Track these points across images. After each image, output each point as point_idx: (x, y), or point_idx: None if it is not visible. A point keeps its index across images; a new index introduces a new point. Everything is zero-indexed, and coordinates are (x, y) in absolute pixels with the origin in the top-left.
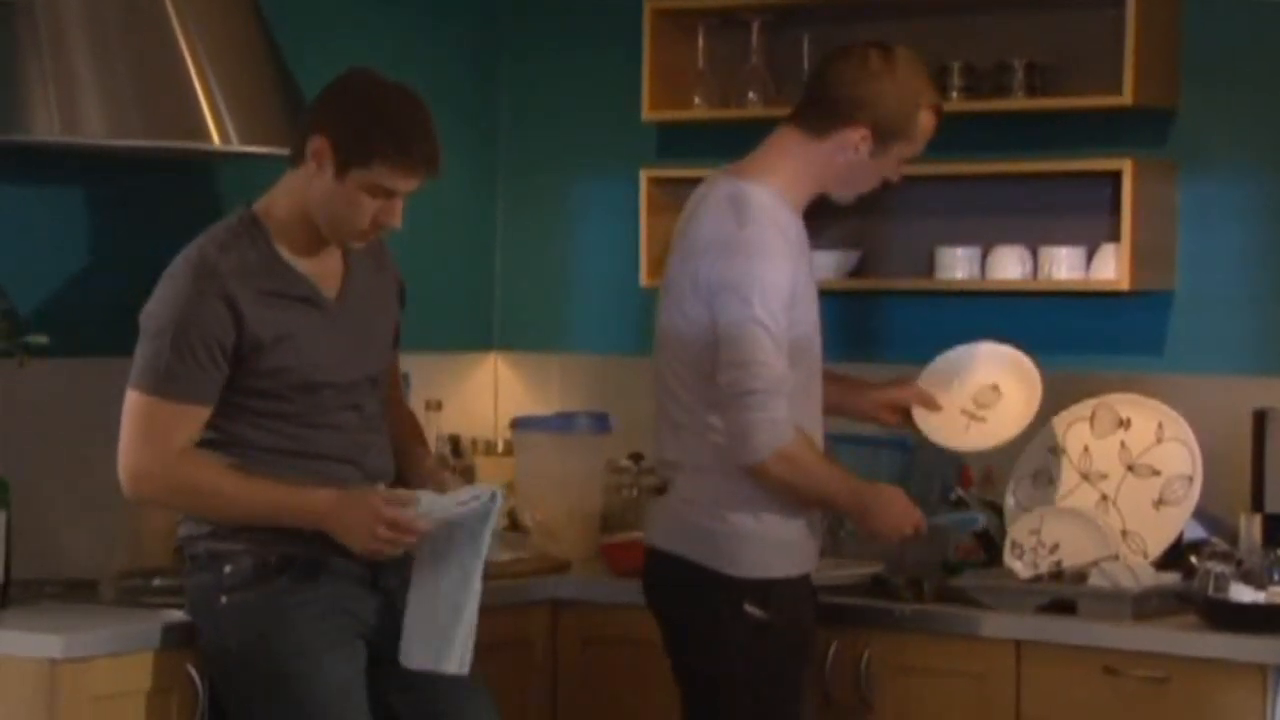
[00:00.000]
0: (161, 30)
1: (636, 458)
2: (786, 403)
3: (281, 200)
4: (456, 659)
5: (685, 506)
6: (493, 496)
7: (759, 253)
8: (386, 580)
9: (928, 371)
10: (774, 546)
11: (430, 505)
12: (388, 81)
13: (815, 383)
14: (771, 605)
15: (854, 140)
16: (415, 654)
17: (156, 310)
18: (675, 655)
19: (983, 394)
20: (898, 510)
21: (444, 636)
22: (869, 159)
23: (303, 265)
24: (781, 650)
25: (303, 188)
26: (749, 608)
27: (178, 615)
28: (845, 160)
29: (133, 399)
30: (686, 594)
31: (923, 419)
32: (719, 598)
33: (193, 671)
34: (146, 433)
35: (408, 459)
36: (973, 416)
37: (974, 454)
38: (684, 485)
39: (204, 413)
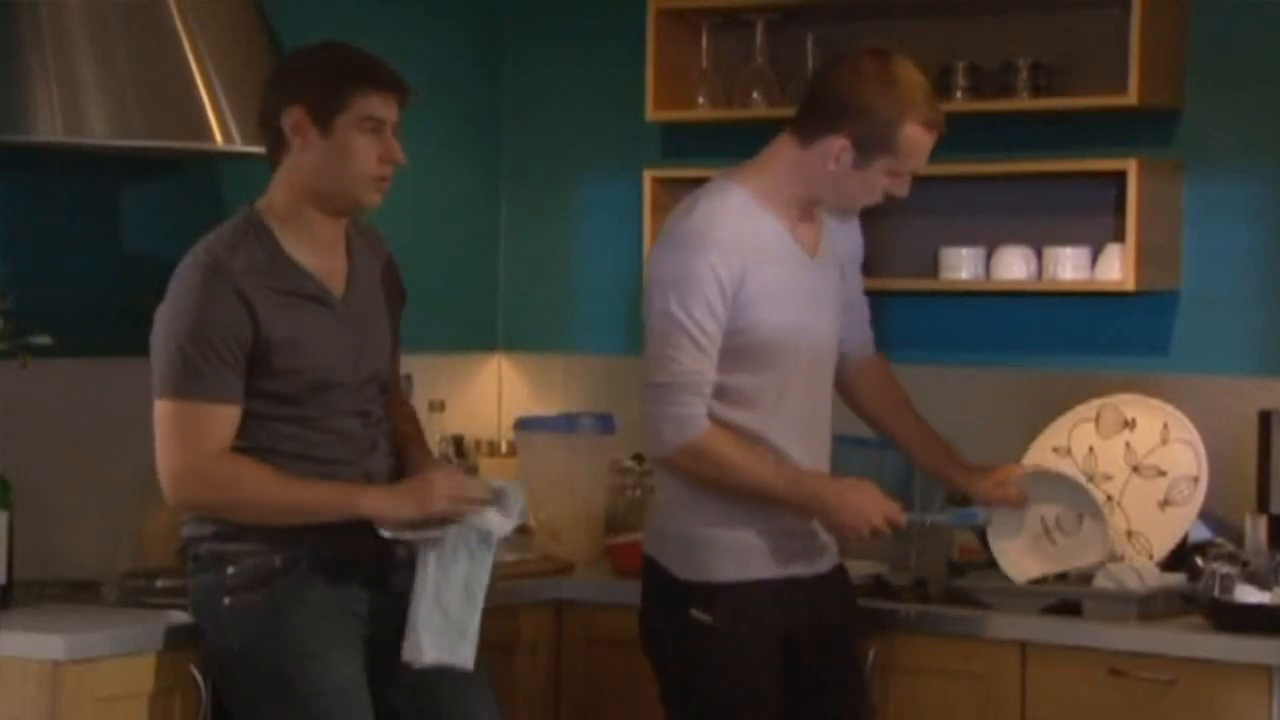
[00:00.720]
0: (164, 30)
1: (640, 458)
2: (703, 402)
3: (278, 196)
4: (466, 654)
5: (656, 509)
6: (521, 510)
7: (689, 247)
8: (398, 581)
9: (1028, 475)
10: (721, 550)
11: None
12: (317, 42)
13: (792, 389)
14: (718, 609)
15: (835, 150)
16: (427, 650)
17: (170, 314)
18: (647, 656)
19: (1067, 517)
20: (864, 503)
21: (457, 629)
22: (854, 170)
23: (309, 263)
24: (730, 655)
25: (295, 172)
26: (694, 612)
27: (181, 616)
28: (829, 171)
29: (160, 408)
30: (650, 595)
31: (997, 523)
32: (670, 601)
33: (196, 673)
34: (179, 436)
35: (409, 460)
36: (1047, 531)
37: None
38: (656, 487)
39: (233, 411)
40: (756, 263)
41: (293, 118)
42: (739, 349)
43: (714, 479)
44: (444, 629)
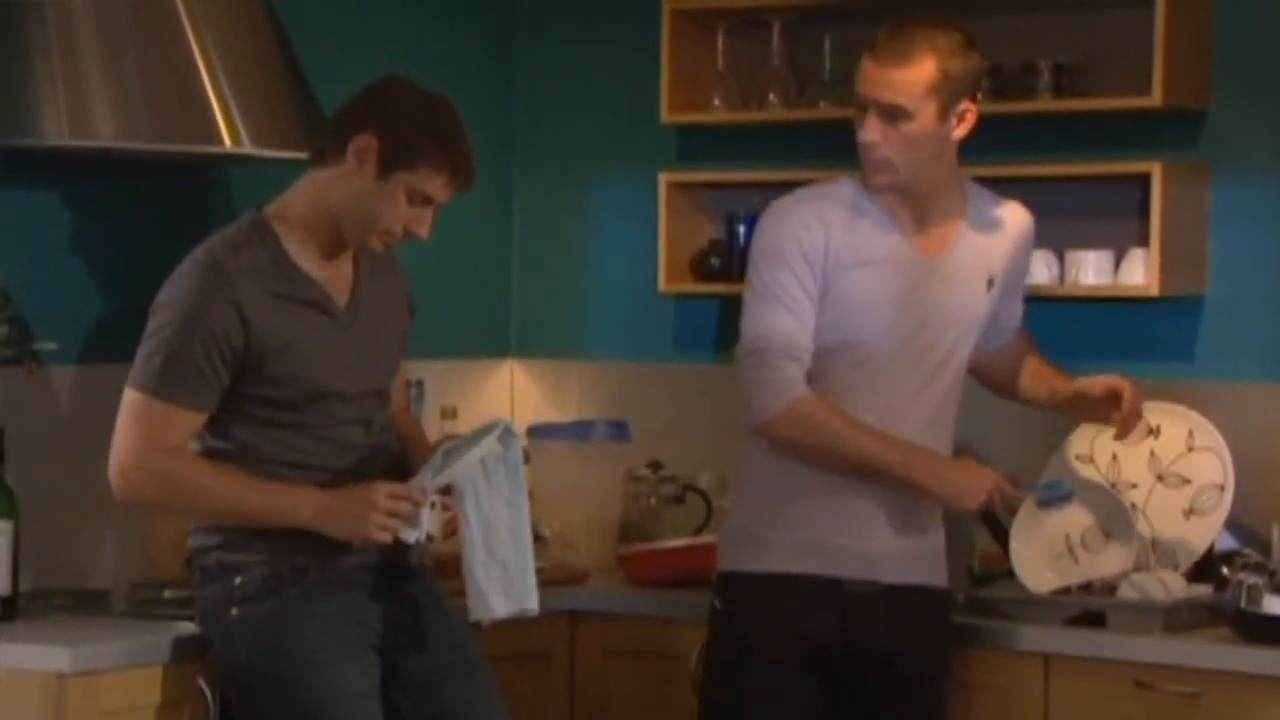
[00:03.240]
0: (172, 32)
1: (655, 466)
2: (798, 367)
3: (299, 202)
4: (534, 596)
5: None
6: (505, 429)
7: (772, 219)
8: (410, 587)
9: (1051, 484)
10: (744, 543)
11: (432, 471)
12: (431, 90)
13: (862, 388)
14: (728, 598)
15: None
16: (496, 605)
17: (161, 309)
18: None
19: (1091, 534)
20: (971, 474)
21: (519, 577)
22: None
23: (313, 271)
24: (734, 645)
25: (330, 186)
26: (715, 601)
27: (188, 627)
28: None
29: (128, 396)
30: None
31: (1020, 532)
32: (712, 592)
33: (203, 685)
34: (136, 429)
35: (411, 466)
36: (1070, 549)
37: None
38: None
39: (196, 419)
40: (846, 242)
41: (362, 143)
42: (819, 329)
43: (814, 446)
44: (504, 579)
